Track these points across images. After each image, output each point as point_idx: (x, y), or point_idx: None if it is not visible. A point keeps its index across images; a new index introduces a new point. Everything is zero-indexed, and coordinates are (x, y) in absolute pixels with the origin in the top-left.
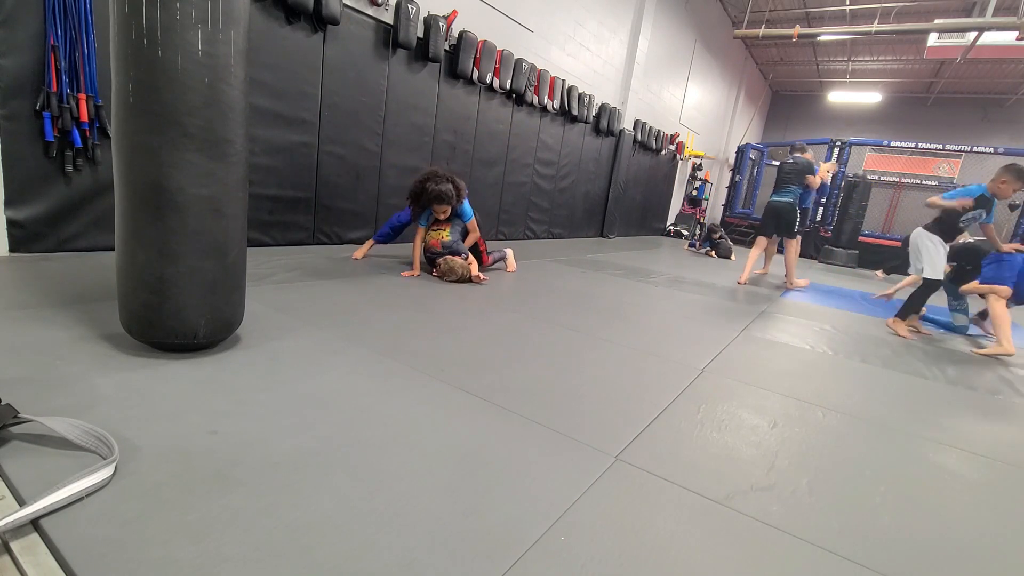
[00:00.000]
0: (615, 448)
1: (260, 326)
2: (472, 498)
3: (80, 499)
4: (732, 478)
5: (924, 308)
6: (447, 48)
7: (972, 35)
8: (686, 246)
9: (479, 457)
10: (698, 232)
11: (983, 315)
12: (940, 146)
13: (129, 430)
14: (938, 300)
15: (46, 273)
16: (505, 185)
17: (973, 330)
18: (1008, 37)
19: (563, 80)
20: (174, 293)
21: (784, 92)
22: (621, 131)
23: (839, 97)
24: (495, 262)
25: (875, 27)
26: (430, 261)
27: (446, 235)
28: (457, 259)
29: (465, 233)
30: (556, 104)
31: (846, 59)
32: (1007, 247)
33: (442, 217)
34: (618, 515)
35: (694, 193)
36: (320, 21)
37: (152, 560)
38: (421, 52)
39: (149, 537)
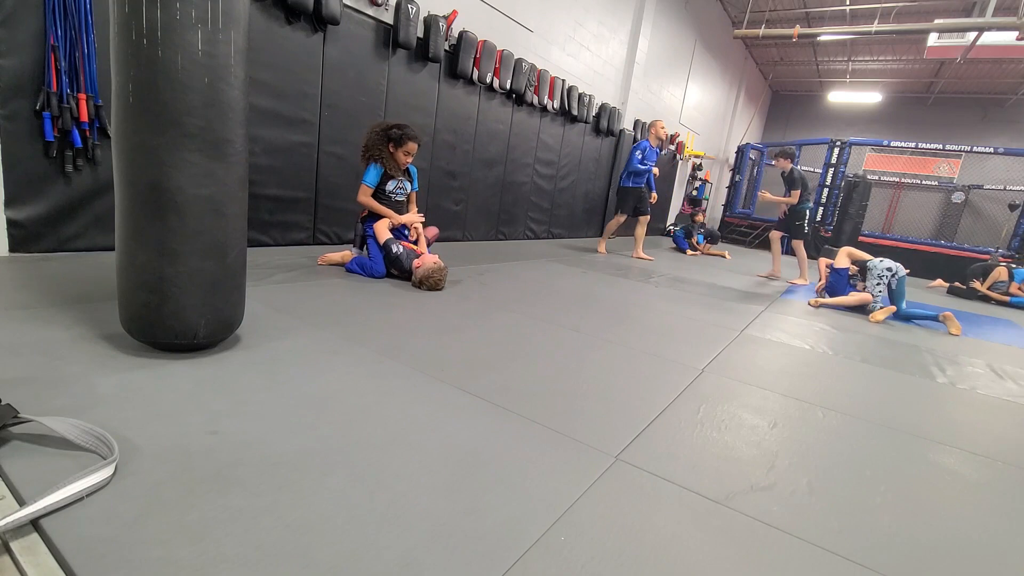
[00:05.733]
0: (615, 448)
1: (260, 326)
2: (472, 498)
3: (80, 499)
4: (732, 478)
5: None
6: (447, 48)
7: (972, 35)
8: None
9: (479, 457)
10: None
11: None
12: (940, 146)
13: (129, 430)
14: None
15: (46, 273)
16: (505, 185)
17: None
18: (1008, 37)
19: (563, 80)
20: (174, 293)
21: (784, 92)
22: (621, 131)
23: (839, 97)
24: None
25: (875, 27)
26: (396, 264)
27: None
28: (425, 260)
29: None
30: (556, 104)
31: (846, 59)
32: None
33: (410, 160)
34: (618, 515)
35: (694, 193)
36: (320, 21)
37: (152, 560)
38: (421, 52)
39: (149, 537)
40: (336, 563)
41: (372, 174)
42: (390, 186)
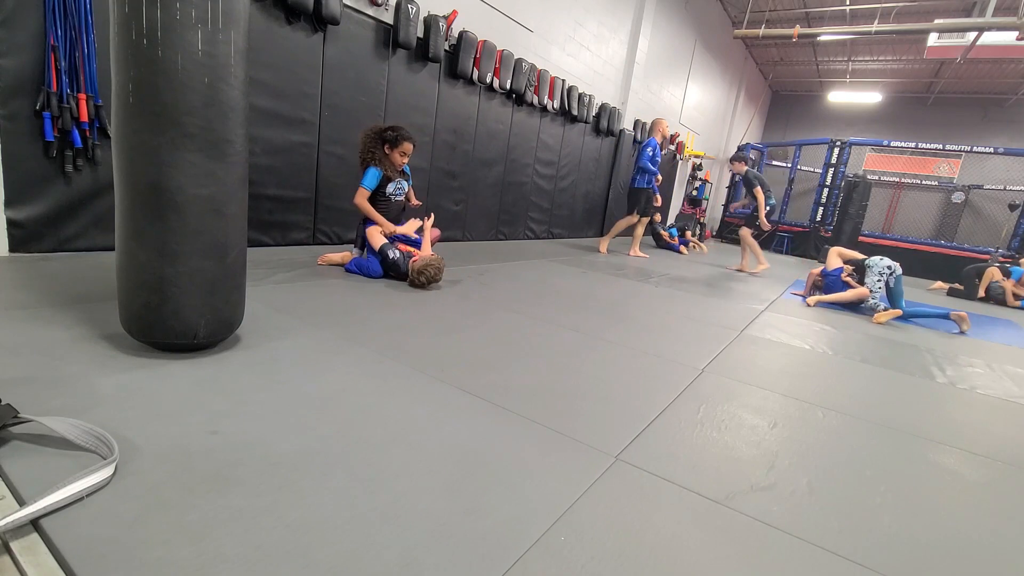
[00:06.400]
0: (615, 448)
1: (260, 326)
2: (472, 498)
3: (80, 499)
4: (732, 478)
5: None
6: (447, 48)
7: (972, 35)
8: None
9: (479, 457)
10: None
11: None
12: (940, 146)
13: (129, 430)
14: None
15: (46, 273)
16: (505, 185)
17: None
18: (1008, 37)
19: (563, 80)
20: (174, 293)
21: (784, 92)
22: (621, 131)
23: (839, 97)
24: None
25: (875, 27)
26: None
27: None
28: (426, 256)
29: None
30: (556, 104)
31: (846, 59)
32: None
33: (406, 160)
34: (618, 515)
35: (694, 193)
36: (320, 21)
37: (152, 560)
38: (421, 52)
39: (149, 537)
40: (336, 563)
41: (371, 177)
42: (390, 188)
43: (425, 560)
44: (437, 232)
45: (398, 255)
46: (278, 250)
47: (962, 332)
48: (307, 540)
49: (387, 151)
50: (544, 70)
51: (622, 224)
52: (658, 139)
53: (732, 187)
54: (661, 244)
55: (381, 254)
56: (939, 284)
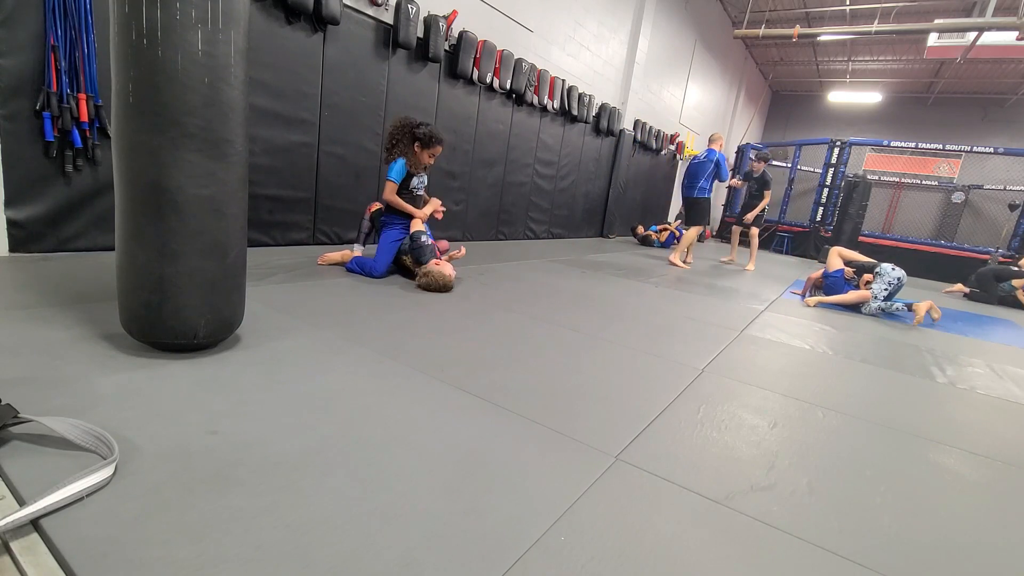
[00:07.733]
0: (615, 448)
1: (260, 326)
2: (472, 498)
3: (80, 499)
4: (732, 478)
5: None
6: (447, 48)
7: (972, 35)
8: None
9: (479, 457)
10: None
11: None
12: (940, 146)
13: (129, 430)
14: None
15: (46, 273)
16: (505, 185)
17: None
18: (1008, 37)
19: (563, 80)
20: (174, 293)
21: (784, 92)
22: (621, 131)
23: (839, 97)
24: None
25: (875, 27)
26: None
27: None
28: (442, 266)
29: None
30: (556, 104)
31: (846, 59)
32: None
33: (433, 161)
34: (618, 515)
35: None
36: (320, 21)
37: (152, 560)
38: (421, 52)
39: (149, 537)
40: (336, 563)
41: (397, 171)
42: (414, 182)
43: (425, 560)
44: (445, 244)
45: (428, 243)
46: (278, 250)
47: (934, 320)
48: (307, 540)
49: (416, 149)
50: (544, 70)
51: (692, 236)
52: (718, 150)
53: (731, 189)
54: (643, 241)
55: (414, 237)
56: (958, 287)
